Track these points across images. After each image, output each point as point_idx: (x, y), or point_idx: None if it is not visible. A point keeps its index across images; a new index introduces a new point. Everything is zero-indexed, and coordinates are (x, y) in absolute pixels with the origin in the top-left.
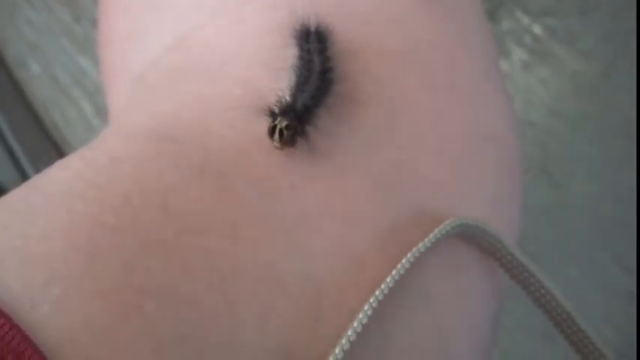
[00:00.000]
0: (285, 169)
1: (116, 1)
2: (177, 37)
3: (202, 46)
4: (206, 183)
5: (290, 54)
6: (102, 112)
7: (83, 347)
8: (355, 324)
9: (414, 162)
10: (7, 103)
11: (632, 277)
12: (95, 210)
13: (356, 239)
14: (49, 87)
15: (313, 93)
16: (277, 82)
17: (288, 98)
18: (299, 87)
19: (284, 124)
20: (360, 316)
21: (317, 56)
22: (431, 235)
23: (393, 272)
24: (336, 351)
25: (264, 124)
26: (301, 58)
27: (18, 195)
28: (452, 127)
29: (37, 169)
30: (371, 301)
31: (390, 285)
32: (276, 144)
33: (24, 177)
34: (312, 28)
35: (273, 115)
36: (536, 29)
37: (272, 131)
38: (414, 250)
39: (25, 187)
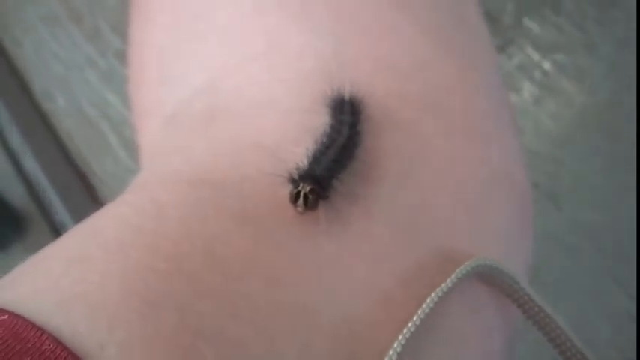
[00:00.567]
0: (318, 216)
1: (148, 42)
2: (207, 79)
3: (232, 92)
4: (246, 229)
5: (320, 114)
6: (127, 144)
7: None
8: (387, 358)
9: (432, 205)
10: (35, 135)
11: (634, 302)
12: (147, 257)
13: (384, 280)
14: (75, 119)
15: (336, 159)
16: (303, 143)
17: (309, 164)
18: (322, 153)
19: (307, 189)
20: (391, 352)
21: (347, 128)
22: (453, 275)
23: (419, 311)
24: None
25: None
26: (332, 127)
27: (71, 242)
28: (467, 170)
29: (64, 199)
30: (400, 338)
31: (417, 323)
32: (300, 209)
33: (49, 206)
34: (347, 99)
35: (294, 181)
36: (546, 65)
37: (295, 197)
38: (437, 289)
39: (77, 234)
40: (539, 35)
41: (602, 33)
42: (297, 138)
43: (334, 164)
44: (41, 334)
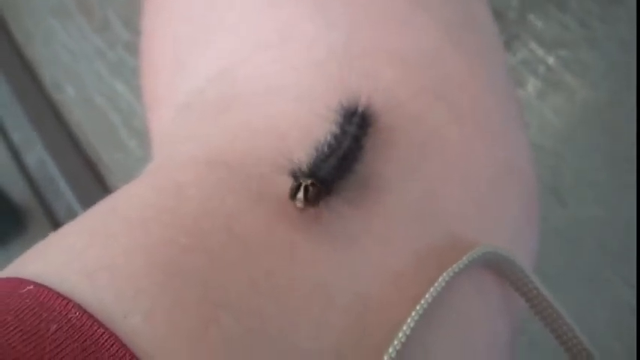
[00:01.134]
0: (333, 197)
1: (162, 33)
2: (221, 68)
3: (246, 79)
4: (263, 208)
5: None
6: (137, 134)
7: (172, 353)
8: (400, 335)
9: (443, 192)
10: (45, 125)
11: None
12: (169, 232)
13: (396, 260)
14: (84, 109)
15: (339, 161)
16: (315, 129)
17: (312, 163)
18: (326, 154)
19: (309, 182)
20: (404, 328)
21: (352, 141)
22: (464, 258)
23: (431, 289)
24: (385, 358)
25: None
26: (337, 136)
27: (92, 219)
28: (476, 162)
29: (73, 188)
30: (413, 314)
31: (429, 301)
32: (299, 204)
33: (50, 201)
34: (359, 110)
35: (295, 176)
36: (550, 60)
37: (295, 191)
38: (449, 270)
39: (97, 212)
40: (544, 31)
41: (605, 30)
42: (310, 124)
43: (337, 165)
44: (67, 303)
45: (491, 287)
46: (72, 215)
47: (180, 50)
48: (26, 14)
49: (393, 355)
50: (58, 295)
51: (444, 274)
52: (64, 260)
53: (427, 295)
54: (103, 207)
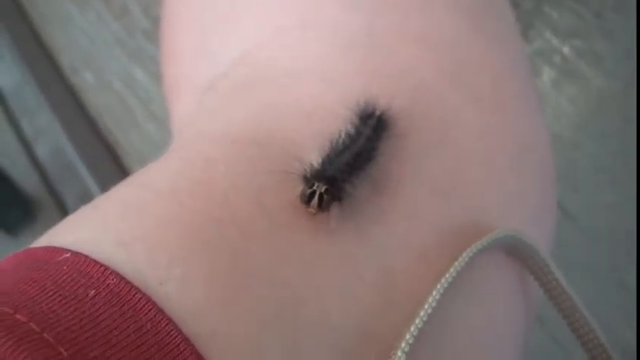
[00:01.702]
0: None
1: (182, 18)
2: (244, 52)
3: (269, 62)
4: (290, 184)
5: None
6: (155, 119)
7: (206, 318)
8: (426, 306)
9: (464, 171)
10: (64, 109)
11: None
12: (200, 204)
13: (420, 236)
14: (102, 94)
15: (351, 162)
16: (339, 108)
17: (323, 164)
18: (337, 155)
19: (323, 188)
20: (430, 300)
21: (366, 141)
22: (488, 236)
23: (455, 264)
24: (412, 329)
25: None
26: (351, 135)
27: (124, 192)
28: (496, 141)
29: (92, 172)
30: (438, 288)
31: (453, 275)
32: (312, 209)
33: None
34: (377, 114)
35: (307, 180)
36: (565, 50)
37: (309, 197)
38: (472, 246)
39: (128, 185)
40: (559, 21)
41: (619, 20)
42: (335, 105)
43: (349, 167)
44: (104, 270)
45: (509, 270)
46: (88, 200)
47: (201, 35)
48: (44, 0)
49: (419, 326)
50: (96, 262)
51: (468, 250)
52: (99, 230)
53: (451, 270)
54: (133, 181)
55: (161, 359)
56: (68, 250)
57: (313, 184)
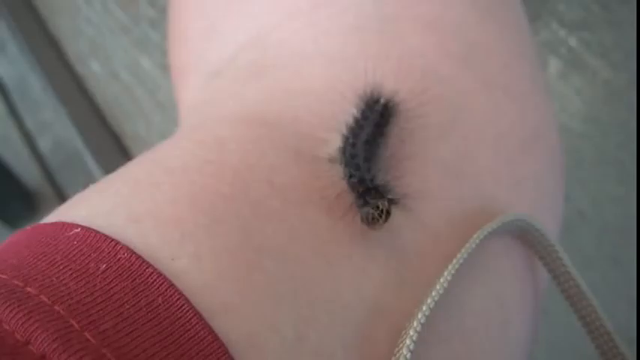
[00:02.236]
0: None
1: (191, 4)
2: (251, 36)
3: (279, 45)
4: (302, 162)
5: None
6: (160, 108)
7: (218, 293)
8: (438, 287)
9: (475, 154)
10: (71, 98)
11: None
12: (212, 182)
13: (432, 216)
14: (109, 84)
15: (368, 154)
16: (349, 88)
17: (363, 176)
18: (358, 150)
19: (387, 205)
20: (441, 280)
21: (372, 128)
22: (497, 220)
23: (466, 245)
24: (423, 308)
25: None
26: (357, 120)
27: (136, 170)
28: (506, 125)
29: (98, 160)
30: (449, 268)
31: (465, 256)
32: (380, 226)
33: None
34: (382, 101)
35: (363, 197)
36: (572, 41)
37: (377, 217)
38: (483, 229)
39: (140, 163)
40: (565, 12)
41: (625, 12)
42: (344, 86)
43: (368, 158)
44: (115, 244)
45: (518, 256)
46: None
47: (211, 19)
48: None
49: (431, 306)
50: (106, 237)
51: (478, 232)
52: (110, 206)
53: (463, 251)
54: (144, 159)
55: (173, 333)
56: (78, 226)
57: (377, 205)
